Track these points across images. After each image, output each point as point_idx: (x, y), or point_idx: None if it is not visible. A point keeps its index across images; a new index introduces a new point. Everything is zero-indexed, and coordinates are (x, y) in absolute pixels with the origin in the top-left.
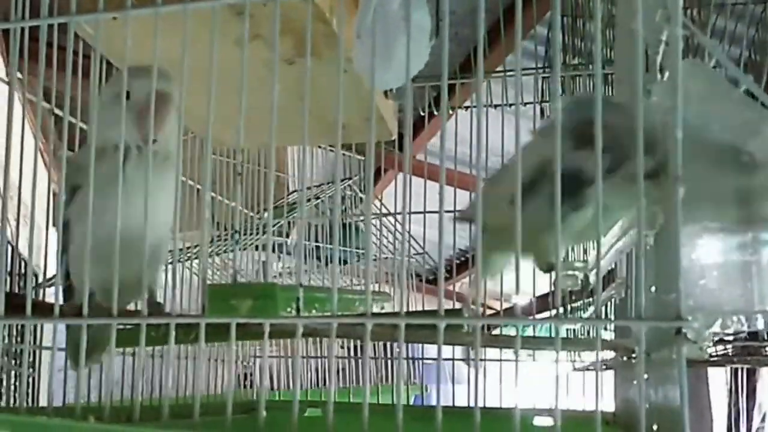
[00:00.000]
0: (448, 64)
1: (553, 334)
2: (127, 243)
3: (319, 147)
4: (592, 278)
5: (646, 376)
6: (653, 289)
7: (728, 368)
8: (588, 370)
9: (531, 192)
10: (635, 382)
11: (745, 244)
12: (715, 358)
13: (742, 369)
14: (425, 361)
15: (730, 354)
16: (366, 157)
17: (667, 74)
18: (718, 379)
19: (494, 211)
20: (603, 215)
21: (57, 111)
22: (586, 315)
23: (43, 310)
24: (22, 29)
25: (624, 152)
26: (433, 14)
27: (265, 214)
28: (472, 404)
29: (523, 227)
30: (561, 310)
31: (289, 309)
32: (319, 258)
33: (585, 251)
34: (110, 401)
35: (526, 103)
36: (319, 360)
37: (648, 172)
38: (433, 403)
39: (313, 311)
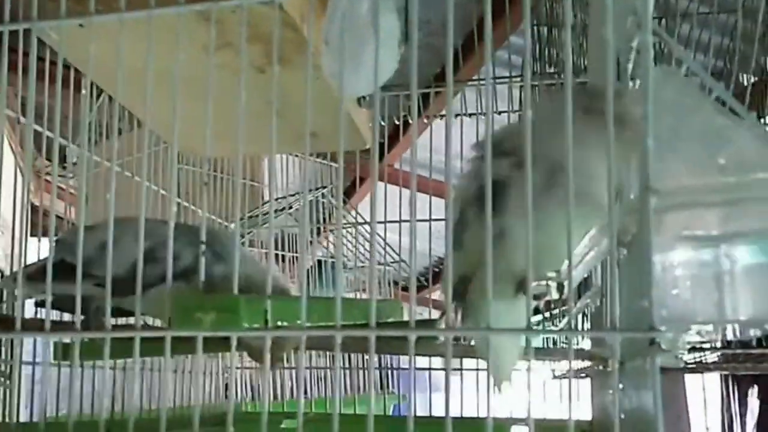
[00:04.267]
0: (424, 73)
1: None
2: None
3: (295, 155)
4: (565, 288)
5: (621, 385)
6: (627, 298)
7: (720, 374)
8: (566, 377)
9: None
10: (611, 391)
11: (718, 254)
12: (693, 365)
13: (733, 375)
14: (403, 369)
15: (720, 361)
16: (337, 165)
17: (638, 82)
18: (713, 384)
19: None
20: (545, 230)
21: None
22: (560, 325)
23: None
24: None
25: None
26: (404, 22)
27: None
28: (453, 414)
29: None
30: (540, 317)
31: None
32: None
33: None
34: (79, 414)
35: (500, 112)
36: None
37: None
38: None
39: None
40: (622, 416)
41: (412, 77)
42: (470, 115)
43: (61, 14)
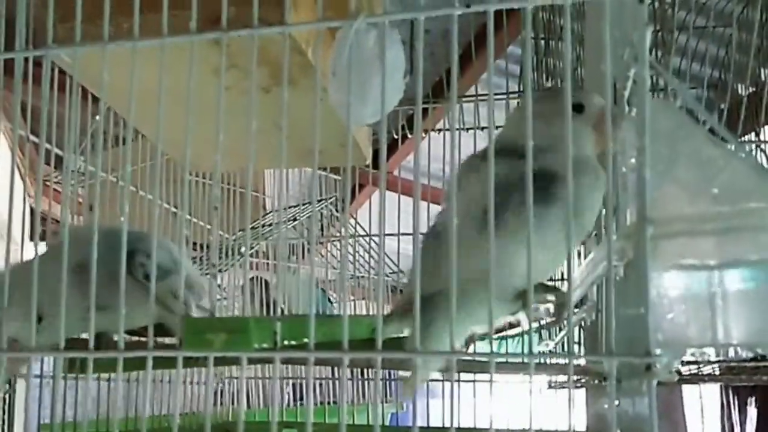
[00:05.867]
0: (423, 83)
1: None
2: None
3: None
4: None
5: (617, 402)
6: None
7: (720, 384)
8: (562, 387)
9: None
10: (606, 405)
11: (712, 280)
12: (688, 377)
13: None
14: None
15: (716, 372)
16: (342, 182)
17: (634, 111)
18: (713, 394)
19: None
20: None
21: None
22: (557, 339)
23: None
24: None
25: None
26: (408, 38)
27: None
28: (447, 424)
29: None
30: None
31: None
32: None
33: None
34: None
35: (497, 126)
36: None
37: None
38: (409, 420)
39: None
40: (618, 431)
41: (417, 104)
42: (467, 129)
43: (76, 40)
